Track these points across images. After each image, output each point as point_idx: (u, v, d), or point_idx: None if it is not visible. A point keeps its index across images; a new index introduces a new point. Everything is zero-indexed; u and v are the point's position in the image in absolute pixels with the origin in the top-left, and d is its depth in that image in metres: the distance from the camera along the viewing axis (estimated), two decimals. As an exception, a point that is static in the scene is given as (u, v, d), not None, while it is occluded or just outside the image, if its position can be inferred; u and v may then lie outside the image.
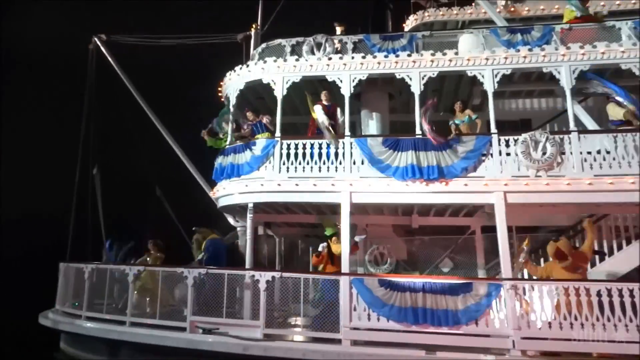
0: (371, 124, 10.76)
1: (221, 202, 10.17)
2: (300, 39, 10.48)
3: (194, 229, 11.84)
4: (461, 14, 11.91)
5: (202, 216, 12.48)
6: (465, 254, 10.91)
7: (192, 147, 13.52)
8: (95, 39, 14.05)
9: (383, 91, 10.73)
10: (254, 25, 13.55)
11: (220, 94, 11.27)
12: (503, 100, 11.19)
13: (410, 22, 12.61)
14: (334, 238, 9.36)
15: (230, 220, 12.37)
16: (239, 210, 10.46)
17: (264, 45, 10.90)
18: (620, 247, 9.23)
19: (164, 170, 14.98)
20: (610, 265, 9.15)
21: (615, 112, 8.66)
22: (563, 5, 10.50)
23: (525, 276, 8.87)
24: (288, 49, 10.45)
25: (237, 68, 10.42)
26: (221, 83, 10.99)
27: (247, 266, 9.61)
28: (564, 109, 9.98)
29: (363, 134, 10.86)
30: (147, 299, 10.15)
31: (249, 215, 9.71)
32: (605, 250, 9.24)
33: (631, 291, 7.41)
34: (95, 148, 13.63)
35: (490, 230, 10.80)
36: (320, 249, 9.09)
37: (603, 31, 9.46)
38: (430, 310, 7.93)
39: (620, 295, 7.42)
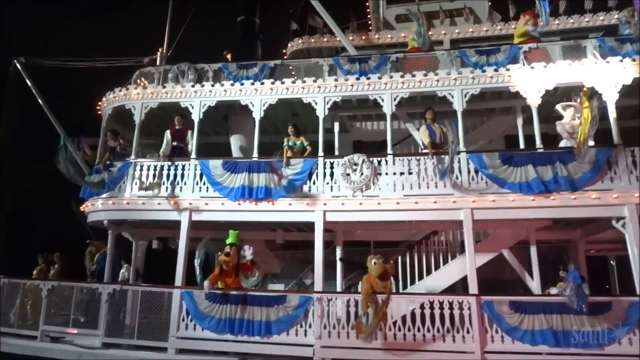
0: (236, 146, 11.47)
1: (89, 218, 10.85)
2: (167, 67, 11.29)
3: (87, 241, 12.60)
4: (332, 41, 12.68)
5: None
6: (327, 268, 11.52)
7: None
8: (15, 61, 14.81)
9: (249, 114, 11.41)
10: (160, 49, 14.33)
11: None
12: (362, 122, 11.90)
13: (289, 49, 13.41)
14: (233, 248, 8.73)
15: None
16: (111, 225, 11.03)
17: (138, 72, 11.65)
18: (446, 262, 9.90)
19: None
20: (433, 280, 9.79)
21: (423, 136, 9.35)
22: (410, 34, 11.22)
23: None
24: (156, 76, 11.23)
25: (107, 93, 11.19)
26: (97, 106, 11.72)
27: (105, 280, 10.29)
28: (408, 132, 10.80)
29: (234, 155, 11.61)
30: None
31: (109, 232, 10.45)
32: (433, 264, 9.94)
33: (432, 303, 8.07)
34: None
35: (351, 245, 11.55)
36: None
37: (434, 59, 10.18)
38: (247, 321, 8.59)
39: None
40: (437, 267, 9.95)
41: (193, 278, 12.19)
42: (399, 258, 10.09)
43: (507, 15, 12.33)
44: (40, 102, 14.09)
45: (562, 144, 9.01)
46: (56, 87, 17.67)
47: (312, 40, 13.03)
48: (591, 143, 8.44)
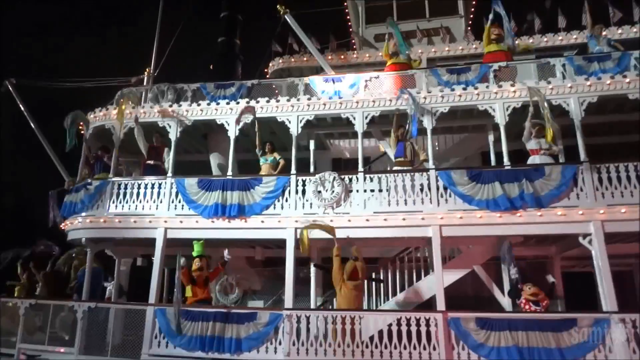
0: (215, 164, 11.64)
1: (69, 236, 10.98)
2: (148, 87, 11.53)
3: (73, 255, 12.73)
4: (311, 61, 12.91)
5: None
6: (305, 285, 11.57)
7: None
8: (7, 82, 15.10)
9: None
10: (147, 69, 14.63)
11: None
12: (340, 140, 12.09)
13: (271, 68, 13.67)
14: (203, 259, 9.14)
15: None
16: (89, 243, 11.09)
17: (119, 92, 11.87)
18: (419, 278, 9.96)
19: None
20: (408, 295, 9.84)
21: (391, 142, 9.55)
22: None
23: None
24: (138, 95, 11.46)
25: (89, 113, 11.42)
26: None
27: (83, 297, 10.38)
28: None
29: (213, 173, 11.78)
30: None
31: (88, 250, 10.58)
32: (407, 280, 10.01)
33: (399, 320, 8.10)
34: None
35: (330, 262, 11.59)
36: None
37: (410, 78, 10.35)
38: (217, 338, 8.66)
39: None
40: (410, 283, 9.99)
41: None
42: (373, 274, 10.16)
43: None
44: (32, 124, 14.19)
45: (530, 161, 9.11)
46: (54, 103, 17.99)
47: (292, 60, 13.31)
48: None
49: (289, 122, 10.02)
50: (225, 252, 8.97)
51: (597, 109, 9.61)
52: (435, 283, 9.20)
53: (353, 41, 14.90)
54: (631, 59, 9.46)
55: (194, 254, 9.19)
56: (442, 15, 13.49)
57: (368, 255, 11.25)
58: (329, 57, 12.91)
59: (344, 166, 12.08)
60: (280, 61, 13.40)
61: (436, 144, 11.34)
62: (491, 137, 10.16)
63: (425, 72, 10.15)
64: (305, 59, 13.18)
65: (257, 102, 10.21)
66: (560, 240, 10.00)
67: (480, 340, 7.85)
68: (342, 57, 12.96)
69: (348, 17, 14.65)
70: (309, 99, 9.98)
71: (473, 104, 9.45)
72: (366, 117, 9.73)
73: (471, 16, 14.45)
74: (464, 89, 9.45)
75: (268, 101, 10.16)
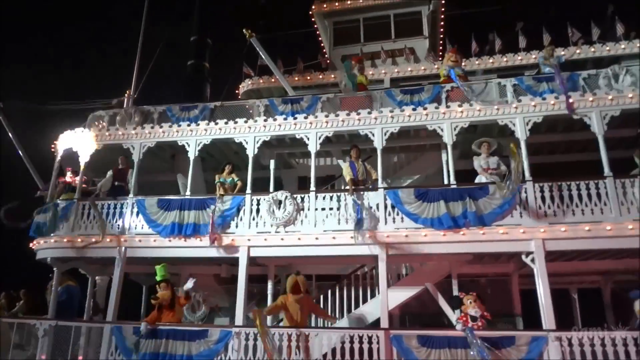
0: (181, 184, 11.92)
1: (37, 255, 11.27)
2: (117, 110, 11.91)
3: (50, 275, 13.02)
4: (279, 82, 13.23)
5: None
6: (264, 301, 11.70)
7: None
8: (-5, 106, 15.56)
9: (194, 153, 11.87)
10: (127, 91, 15.05)
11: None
12: (304, 159, 12.34)
13: (241, 89, 14.05)
14: (162, 284, 9.22)
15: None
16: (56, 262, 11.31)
17: (91, 115, 12.26)
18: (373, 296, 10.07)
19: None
20: (364, 312, 9.96)
21: (345, 173, 9.70)
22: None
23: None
24: (107, 119, 11.84)
25: (60, 135, 11.80)
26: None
27: (49, 315, 10.63)
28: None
29: (180, 193, 12.06)
30: None
31: (55, 269, 10.85)
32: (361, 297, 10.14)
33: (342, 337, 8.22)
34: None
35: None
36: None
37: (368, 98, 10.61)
38: (169, 356, 8.82)
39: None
40: (365, 300, 10.10)
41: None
42: (329, 292, 10.30)
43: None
44: (19, 151, 14.39)
45: (477, 179, 9.26)
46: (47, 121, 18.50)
47: (261, 82, 13.66)
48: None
49: (246, 142, 10.30)
50: (188, 284, 8.83)
51: (547, 128, 9.78)
52: (392, 299, 9.38)
53: (328, 60, 15.19)
54: (579, 79, 9.63)
55: (157, 278, 9.22)
56: (407, 36, 13.78)
57: (327, 272, 11.50)
58: (296, 78, 13.25)
59: (310, 184, 12.28)
60: (250, 82, 13.77)
61: (395, 160, 11.57)
62: (444, 156, 10.33)
63: (379, 93, 10.39)
64: (273, 80, 13.52)
65: (216, 123, 10.51)
66: (515, 257, 10.06)
67: (421, 358, 7.92)
68: (309, 77, 13.29)
69: (320, 39, 15.01)
70: (265, 120, 10.25)
71: (422, 124, 9.65)
72: (320, 138, 9.97)
73: (441, 36, 14.72)
74: (414, 109, 9.66)
75: (226, 123, 10.46)
